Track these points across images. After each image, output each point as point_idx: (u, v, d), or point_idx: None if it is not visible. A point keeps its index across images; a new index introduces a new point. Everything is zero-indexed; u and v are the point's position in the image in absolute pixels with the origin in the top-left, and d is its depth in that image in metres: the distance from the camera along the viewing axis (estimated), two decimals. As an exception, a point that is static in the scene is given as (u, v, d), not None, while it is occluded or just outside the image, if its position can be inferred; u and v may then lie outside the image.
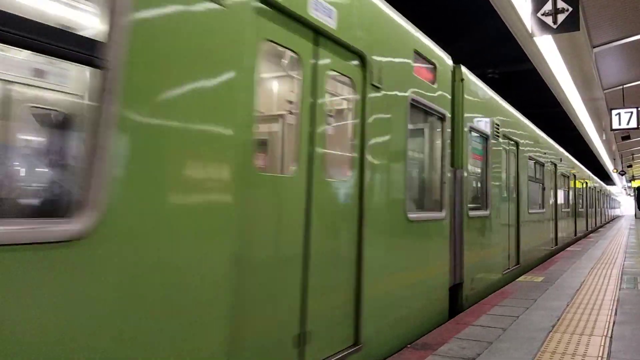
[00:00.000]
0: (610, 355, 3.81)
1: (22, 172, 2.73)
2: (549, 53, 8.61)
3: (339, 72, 3.41)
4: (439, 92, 5.00)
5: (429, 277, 4.78)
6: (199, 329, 2.21)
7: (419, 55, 4.55)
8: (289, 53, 3.06)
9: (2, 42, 1.60)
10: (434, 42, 5.00)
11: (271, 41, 2.76)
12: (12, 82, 2.77)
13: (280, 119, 3.85)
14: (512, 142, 8.19)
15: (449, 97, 5.32)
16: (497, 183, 7.11)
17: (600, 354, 3.80)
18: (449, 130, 5.30)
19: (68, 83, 2.90)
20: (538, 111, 16.34)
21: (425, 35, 4.80)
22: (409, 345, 4.05)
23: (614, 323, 4.80)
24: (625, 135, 15.43)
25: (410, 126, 4.30)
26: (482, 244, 6.40)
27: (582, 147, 22.14)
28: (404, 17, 4.35)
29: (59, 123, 2.92)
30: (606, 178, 39.77)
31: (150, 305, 1.98)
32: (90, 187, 1.78)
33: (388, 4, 4.08)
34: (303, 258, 2.97)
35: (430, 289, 4.83)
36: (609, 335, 4.36)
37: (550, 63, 9.16)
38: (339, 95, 3.88)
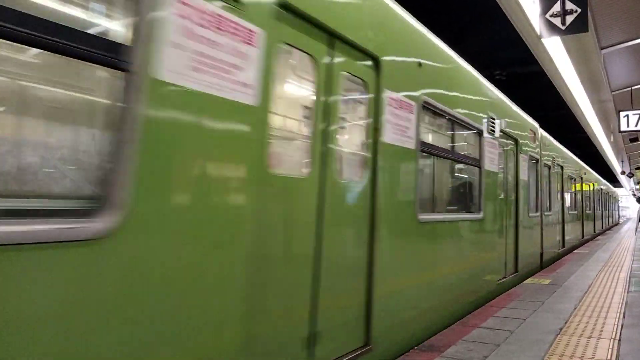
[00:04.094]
0: (619, 358, 3.78)
1: None
2: (557, 54, 8.57)
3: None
4: None
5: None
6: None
7: None
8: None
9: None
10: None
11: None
12: None
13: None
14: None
15: None
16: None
17: (609, 357, 3.78)
18: None
19: None
20: (546, 113, 16.28)
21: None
22: (415, 348, 4.05)
23: (622, 326, 4.76)
24: (634, 137, 15.34)
25: None
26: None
27: (589, 149, 22.04)
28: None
29: None
30: (614, 180, 39.50)
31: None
32: None
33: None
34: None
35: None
36: (617, 338, 4.33)
37: (558, 65, 9.12)
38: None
